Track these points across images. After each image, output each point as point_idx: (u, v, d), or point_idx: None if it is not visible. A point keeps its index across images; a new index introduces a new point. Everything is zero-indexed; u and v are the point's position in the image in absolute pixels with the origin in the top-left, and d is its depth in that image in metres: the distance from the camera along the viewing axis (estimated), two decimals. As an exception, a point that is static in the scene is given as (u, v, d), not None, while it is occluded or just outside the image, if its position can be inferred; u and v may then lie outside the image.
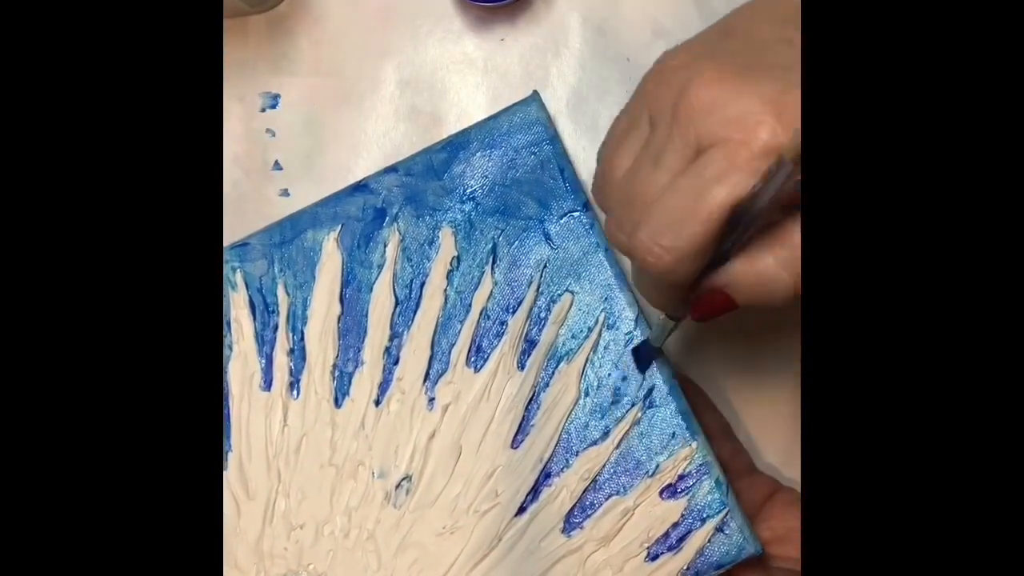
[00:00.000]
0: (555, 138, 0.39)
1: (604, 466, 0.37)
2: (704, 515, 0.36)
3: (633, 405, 0.37)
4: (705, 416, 0.38)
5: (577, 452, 0.37)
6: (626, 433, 0.37)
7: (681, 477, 0.36)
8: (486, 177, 0.39)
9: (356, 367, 0.39)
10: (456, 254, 0.39)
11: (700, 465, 0.36)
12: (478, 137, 0.39)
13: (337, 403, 0.38)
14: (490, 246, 0.39)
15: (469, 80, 0.45)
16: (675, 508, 0.36)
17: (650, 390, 0.37)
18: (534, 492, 0.37)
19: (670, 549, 0.36)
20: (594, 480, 0.37)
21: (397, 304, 0.39)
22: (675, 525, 0.36)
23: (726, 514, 0.36)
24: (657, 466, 0.36)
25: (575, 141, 0.44)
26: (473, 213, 0.39)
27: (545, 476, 0.37)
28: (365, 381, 0.38)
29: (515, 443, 0.37)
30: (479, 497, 0.37)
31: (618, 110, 0.45)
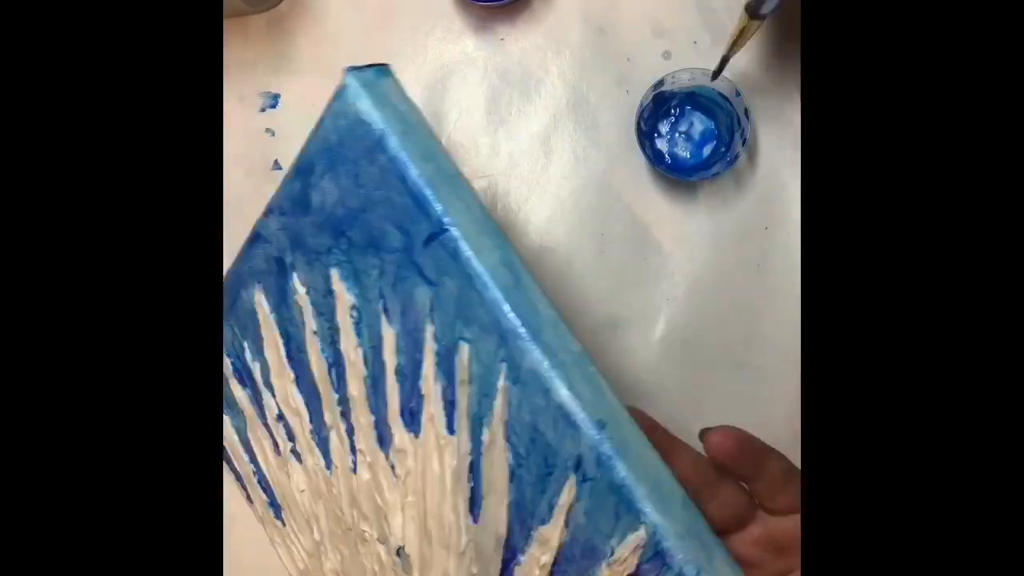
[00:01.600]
0: (383, 135, 0.30)
1: (560, 548, 0.30)
2: None
3: (566, 477, 0.29)
4: (682, 465, 0.31)
5: (531, 529, 0.31)
6: (570, 510, 0.29)
7: (641, 567, 0.28)
8: (344, 204, 0.32)
9: (328, 432, 0.35)
10: (353, 302, 0.33)
11: (656, 553, 0.28)
12: (317, 156, 0.32)
13: (328, 468, 0.36)
14: (376, 290, 0.32)
15: (469, 80, 0.45)
16: None
17: (578, 460, 0.28)
18: (506, 571, 0.32)
19: None
20: (556, 562, 0.30)
21: (330, 366, 0.34)
22: None
23: None
24: (612, 551, 0.29)
25: (574, 141, 0.44)
26: (351, 250, 0.32)
27: (512, 554, 0.31)
28: (337, 447, 0.35)
29: (474, 516, 0.32)
30: (460, 572, 0.33)
31: (618, 110, 0.45)
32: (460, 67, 0.45)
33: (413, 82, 0.45)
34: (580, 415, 0.28)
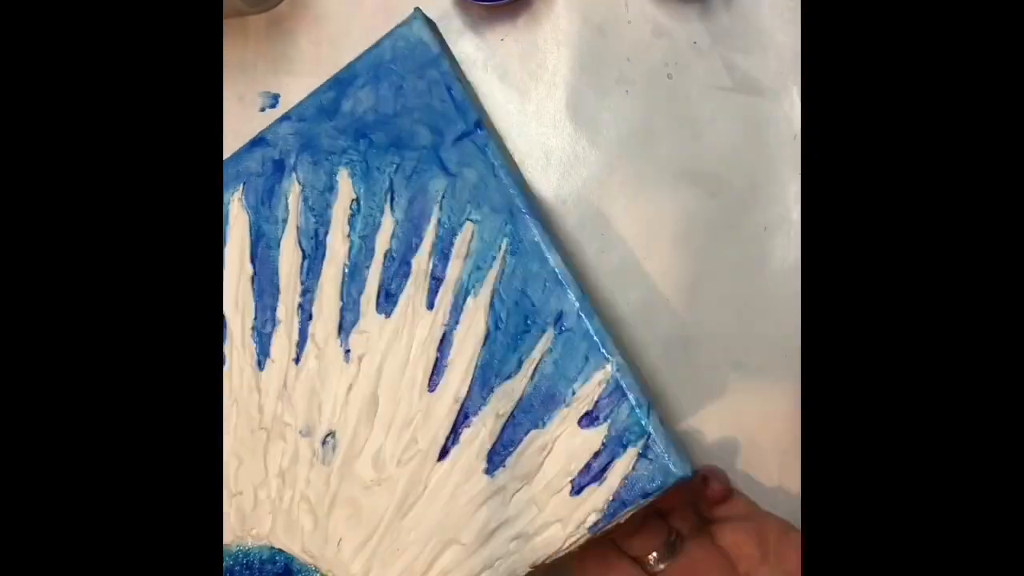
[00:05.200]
0: (439, 56, 0.36)
1: (520, 400, 0.34)
2: (625, 441, 0.33)
3: (543, 332, 0.34)
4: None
5: (492, 388, 0.35)
6: (539, 363, 0.34)
7: (598, 403, 0.33)
8: (376, 110, 0.37)
9: (273, 327, 0.37)
10: (355, 196, 0.37)
11: (616, 388, 0.33)
12: (363, 69, 0.37)
13: (260, 366, 0.37)
14: (387, 184, 0.36)
15: (469, 79, 0.44)
16: (595, 437, 0.33)
17: (560, 314, 0.34)
18: (454, 435, 0.35)
19: (594, 480, 0.33)
20: (512, 415, 0.34)
21: (304, 257, 0.37)
22: (596, 455, 0.33)
23: (648, 439, 0.33)
24: (573, 393, 0.34)
25: (575, 140, 0.44)
26: (368, 150, 0.37)
27: (464, 417, 0.35)
28: (283, 340, 0.37)
29: (431, 386, 0.35)
30: (400, 447, 0.36)
31: (618, 109, 0.45)
32: (460, 66, 0.45)
33: (413, 82, 0.45)
34: (569, 278, 0.34)
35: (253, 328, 0.38)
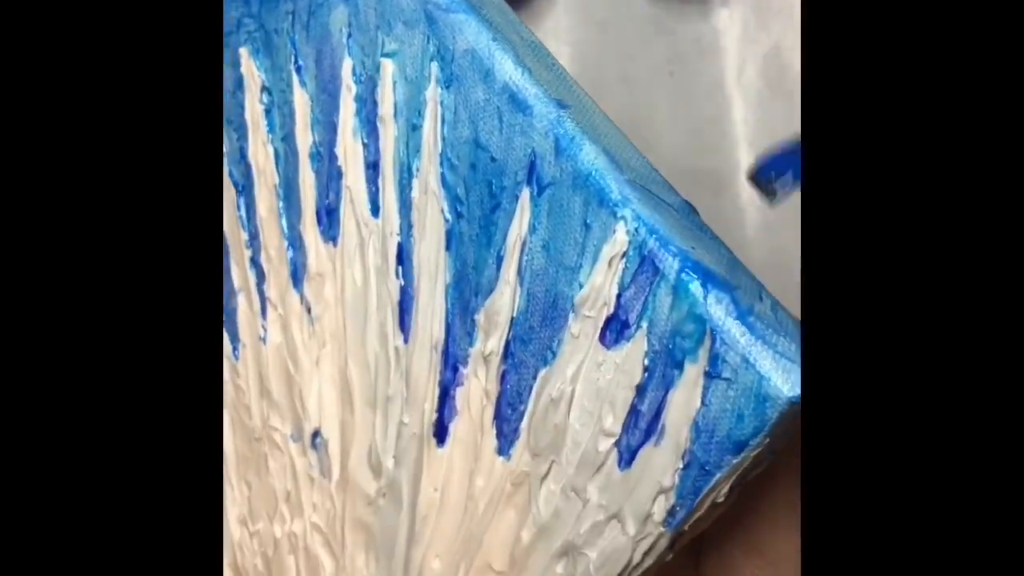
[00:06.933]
0: None
1: (513, 321, 0.21)
2: (678, 353, 0.19)
3: (516, 198, 0.21)
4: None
5: (473, 312, 0.22)
6: (521, 251, 0.21)
7: (621, 295, 0.19)
8: None
9: (236, 299, 0.28)
10: (263, 82, 0.26)
11: (646, 256, 0.19)
12: None
13: (235, 355, 0.28)
14: (288, 47, 0.25)
15: (470, 77, 0.45)
16: (633, 354, 0.19)
17: (531, 161, 0.20)
18: (445, 401, 0.23)
19: (648, 438, 0.19)
20: (507, 351, 0.22)
21: (239, 193, 0.27)
22: (640, 389, 0.19)
23: (715, 339, 0.18)
24: (580, 287, 0.20)
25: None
26: (262, 9, 0.25)
27: (451, 370, 0.23)
28: (246, 315, 0.28)
29: (404, 331, 0.23)
30: (388, 435, 0.24)
31: (620, 109, 0.45)
32: None
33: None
34: (532, 91, 0.21)
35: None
